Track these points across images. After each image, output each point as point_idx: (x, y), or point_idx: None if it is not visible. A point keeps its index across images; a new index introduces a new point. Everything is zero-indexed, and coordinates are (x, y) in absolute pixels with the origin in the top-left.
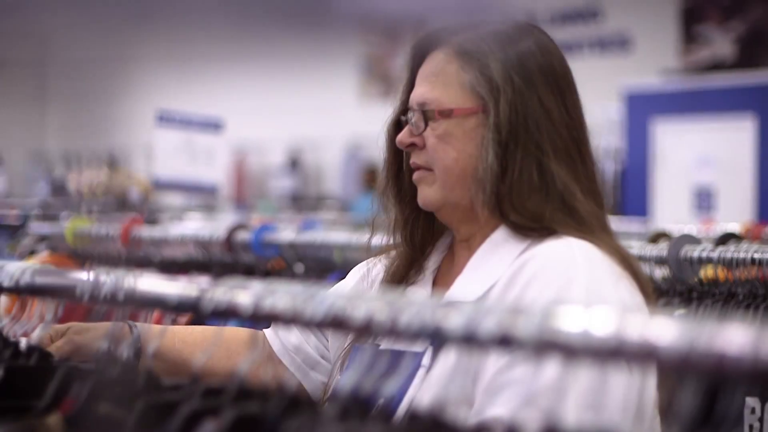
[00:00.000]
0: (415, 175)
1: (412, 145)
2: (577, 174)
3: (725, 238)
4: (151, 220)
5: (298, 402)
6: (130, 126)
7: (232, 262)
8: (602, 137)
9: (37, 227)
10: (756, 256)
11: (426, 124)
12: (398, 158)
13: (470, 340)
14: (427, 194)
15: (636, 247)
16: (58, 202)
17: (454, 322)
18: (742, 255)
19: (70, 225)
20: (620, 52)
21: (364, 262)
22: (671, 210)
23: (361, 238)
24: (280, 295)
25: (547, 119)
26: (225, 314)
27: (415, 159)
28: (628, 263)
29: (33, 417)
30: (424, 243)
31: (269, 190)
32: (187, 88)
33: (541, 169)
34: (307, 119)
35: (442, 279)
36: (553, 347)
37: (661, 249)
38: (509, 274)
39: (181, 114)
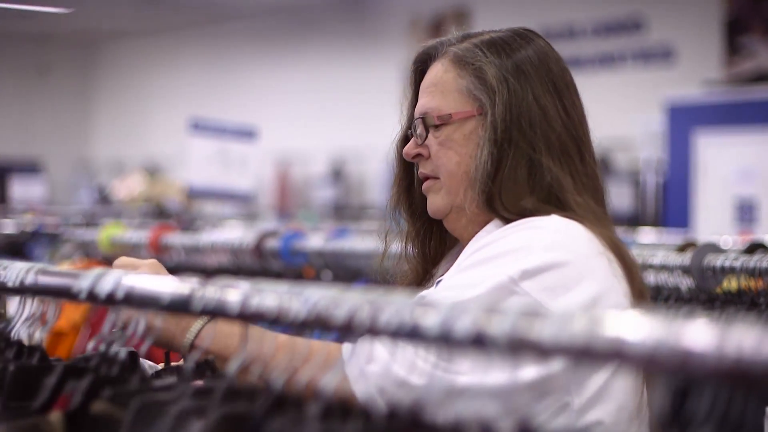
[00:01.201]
0: (424, 186)
1: (418, 155)
2: (574, 171)
3: (753, 248)
4: (189, 227)
5: (284, 401)
6: (172, 134)
7: (261, 270)
8: (644, 149)
9: (71, 234)
10: None
11: (427, 132)
12: (408, 173)
13: (446, 339)
14: (435, 201)
15: (660, 256)
16: (101, 209)
17: (430, 320)
18: (764, 264)
19: (104, 232)
20: (663, 64)
21: None
22: (713, 222)
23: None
24: (267, 294)
25: (543, 118)
26: (214, 313)
27: (423, 169)
28: (619, 251)
29: (35, 415)
30: (437, 255)
31: (312, 200)
32: (230, 98)
33: (531, 165)
34: (350, 129)
35: None
36: (526, 347)
37: (684, 258)
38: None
39: (215, 121)
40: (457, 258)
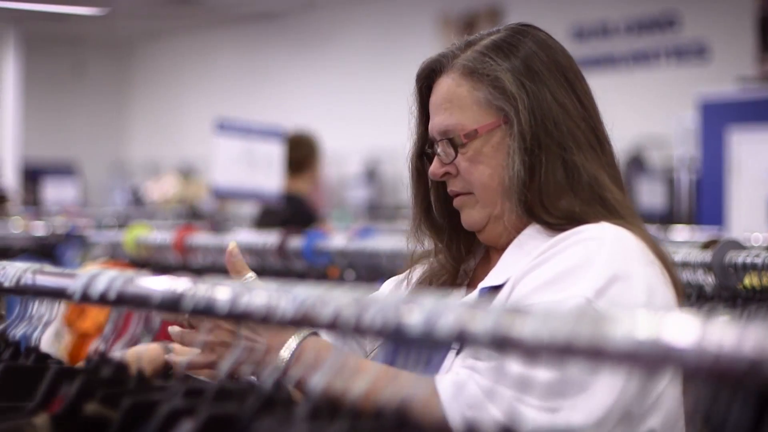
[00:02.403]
0: (456, 201)
1: (446, 174)
2: (601, 161)
3: None
4: (220, 229)
5: (273, 402)
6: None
7: (285, 270)
8: (678, 147)
9: (98, 236)
10: None
11: (456, 151)
12: (426, 191)
13: (429, 336)
14: (472, 216)
15: (681, 253)
16: (134, 211)
17: (414, 318)
18: None
19: (129, 233)
20: (697, 61)
21: (401, 275)
22: (747, 220)
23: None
24: (256, 292)
25: (565, 115)
26: (204, 312)
27: (452, 187)
28: (661, 255)
29: (21, 417)
30: (466, 254)
31: (346, 200)
32: (264, 98)
33: (566, 166)
34: (384, 129)
35: (477, 281)
36: (508, 345)
37: (706, 255)
38: (533, 257)
39: (241, 122)
40: (490, 258)
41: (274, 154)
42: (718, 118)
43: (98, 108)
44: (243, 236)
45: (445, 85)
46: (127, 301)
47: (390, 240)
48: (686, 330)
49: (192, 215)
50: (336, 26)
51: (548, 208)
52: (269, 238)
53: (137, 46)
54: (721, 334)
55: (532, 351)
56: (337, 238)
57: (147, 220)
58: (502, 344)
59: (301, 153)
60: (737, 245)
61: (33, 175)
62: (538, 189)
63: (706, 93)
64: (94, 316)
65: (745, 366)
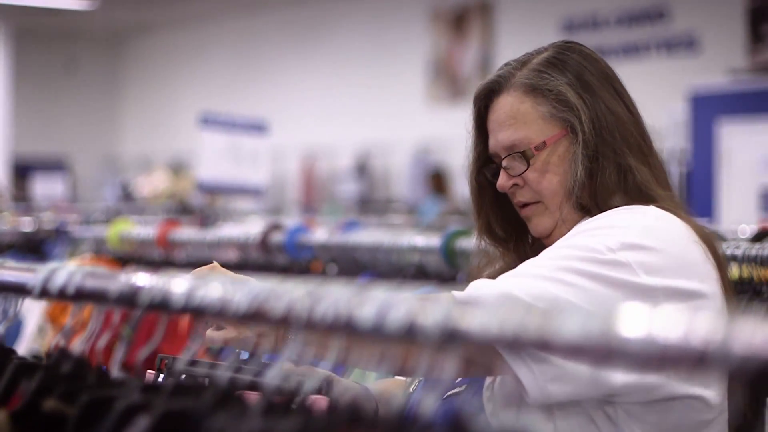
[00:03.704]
0: (525, 212)
1: (514, 186)
2: (651, 166)
3: (760, 236)
4: (209, 223)
5: (228, 397)
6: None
7: (267, 264)
8: (668, 139)
9: (83, 231)
10: None
11: (528, 164)
12: (487, 205)
13: (379, 329)
14: (542, 223)
15: None
16: (123, 207)
17: (365, 311)
18: (766, 253)
19: (113, 228)
20: (687, 53)
21: None
22: (737, 211)
23: (398, 240)
24: (212, 286)
25: (617, 122)
26: (160, 306)
27: (520, 198)
28: (709, 241)
29: None
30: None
31: (337, 193)
32: (256, 93)
33: (619, 169)
34: (375, 123)
35: None
36: (456, 337)
37: None
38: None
39: (225, 116)
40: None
41: (259, 147)
42: (709, 110)
43: (89, 103)
44: (226, 230)
45: (507, 104)
46: (85, 296)
47: (374, 233)
48: (636, 322)
49: (182, 210)
50: (327, 20)
51: (600, 207)
52: (252, 233)
53: (128, 41)
54: (671, 325)
55: (481, 343)
56: (320, 232)
57: (137, 216)
58: (451, 337)
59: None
60: (718, 237)
61: (23, 171)
62: (594, 191)
63: (696, 85)
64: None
65: (694, 357)
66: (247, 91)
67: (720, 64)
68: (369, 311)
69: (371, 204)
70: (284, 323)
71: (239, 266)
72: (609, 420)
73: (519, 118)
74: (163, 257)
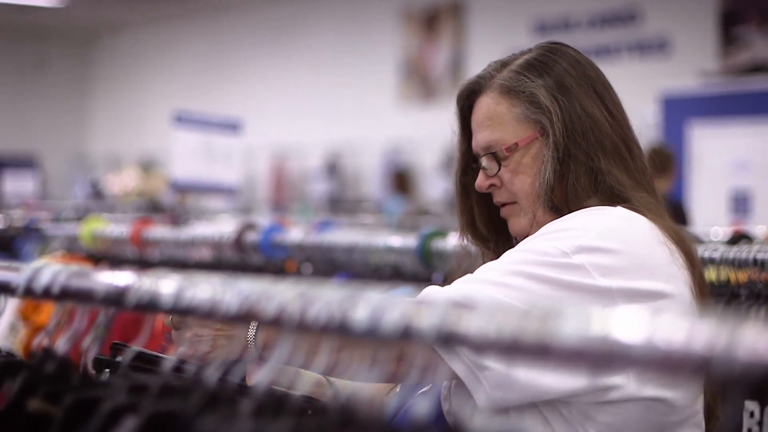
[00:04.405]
0: (503, 211)
1: (491, 186)
2: (629, 169)
3: (736, 239)
4: (180, 222)
5: (217, 399)
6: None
7: (242, 264)
8: (640, 141)
9: (55, 229)
10: (759, 257)
11: (499, 165)
12: (470, 204)
13: (374, 332)
14: (519, 224)
15: None
16: (94, 204)
17: (359, 314)
18: (744, 255)
19: (86, 226)
20: (659, 56)
21: None
22: (708, 213)
23: (370, 239)
24: (201, 287)
25: (593, 125)
26: (148, 306)
27: (498, 198)
28: (681, 241)
29: None
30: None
31: (307, 193)
32: (226, 92)
33: (591, 173)
34: (346, 123)
35: None
36: (454, 340)
37: None
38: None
39: (199, 115)
40: None
41: (233, 146)
42: (680, 113)
43: (59, 101)
44: (200, 229)
45: (485, 104)
46: (71, 296)
47: (348, 234)
48: (636, 327)
49: (152, 208)
50: (299, 20)
51: (571, 209)
52: (226, 232)
53: (99, 39)
54: (671, 330)
55: (479, 347)
56: (295, 232)
57: (107, 214)
58: (448, 340)
59: (665, 159)
60: (695, 240)
61: None
62: (564, 193)
63: (667, 87)
64: (50, 310)
65: (696, 362)
66: (218, 90)
67: (691, 67)
68: (363, 313)
69: (341, 203)
70: (276, 325)
71: (213, 265)
72: (564, 420)
73: (495, 119)
74: (136, 256)
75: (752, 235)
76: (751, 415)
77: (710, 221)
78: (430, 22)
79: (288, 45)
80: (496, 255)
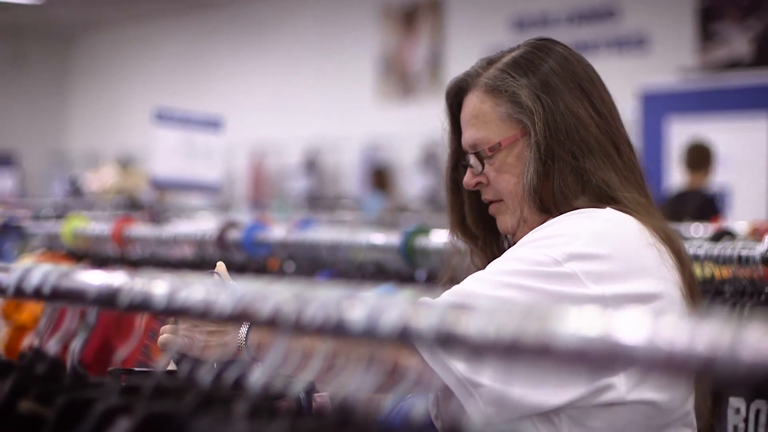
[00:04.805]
0: (491, 209)
1: (478, 184)
2: (617, 168)
3: (719, 236)
4: (159, 219)
5: (211, 400)
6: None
7: (224, 261)
8: None
9: (36, 227)
10: (743, 253)
11: (483, 164)
12: (461, 201)
13: (372, 332)
14: (506, 222)
15: None
16: (72, 202)
17: (356, 314)
18: (728, 252)
19: (67, 225)
20: (637, 52)
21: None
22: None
23: (353, 236)
24: (194, 287)
25: (577, 124)
26: (141, 307)
27: (485, 195)
28: (671, 242)
29: None
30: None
31: (286, 190)
32: (204, 89)
33: (576, 172)
34: (325, 120)
35: None
36: (454, 342)
37: None
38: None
39: (180, 112)
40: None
41: (214, 144)
42: (659, 109)
43: (38, 98)
44: (182, 227)
45: (471, 103)
46: (62, 296)
47: (330, 231)
48: (636, 327)
49: (131, 206)
50: (277, 16)
51: (559, 209)
52: (209, 230)
53: (77, 37)
54: (673, 331)
55: (478, 348)
56: (277, 230)
57: (86, 211)
58: (447, 341)
59: (703, 154)
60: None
61: None
62: (551, 193)
63: (646, 84)
64: (32, 308)
65: (699, 363)
66: (197, 87)
67: (670, 63)
68: (360, 314)
69: (320, 200)
70: (271, 326)
71: (195, 263)
72: (553, 426)
73: (480, 118)
74: (117, 254)
75: (734, 231)
76: (737, 411)
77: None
78: (408, 19)
79: (266, 42)
80: (484, 253)
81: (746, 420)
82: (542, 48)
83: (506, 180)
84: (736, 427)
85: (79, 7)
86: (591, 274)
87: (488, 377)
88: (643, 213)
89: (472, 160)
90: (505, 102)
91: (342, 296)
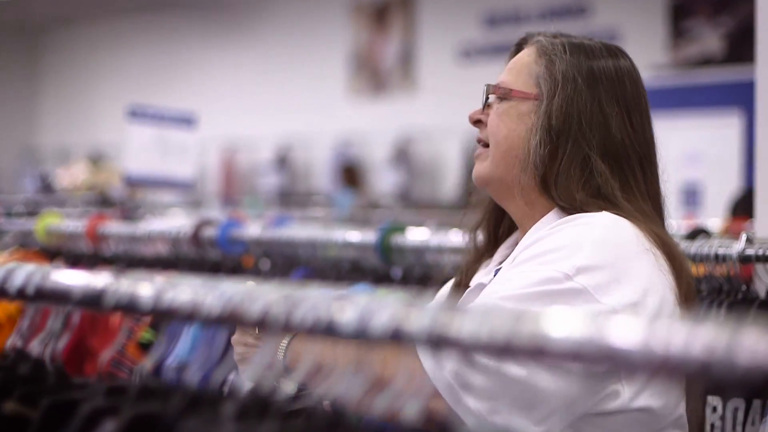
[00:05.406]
0: (476, 152)
1: (478, 121)
2: (632, 180)
3: (694, 234)
4: (131, 216)
5: (198, 401)
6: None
7: (199, 259)
8: None
9: (8, 224)
10: (720, 251)
11: (487, 100)
12: (488, 207)
13: (363, 334)
14: (479, 168)
15: None
16: (43, 198)
17: (347, 316)
18: (705, 250)
19: (41, 221)
20: None
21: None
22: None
23: (329, 234)
24: (181, 288)
25: (603, 123)
26: (127, 308)
27: (480, 134)
28: (666, 247)
29: None
30: (501, 240)
31: (258, 186)
32: (175, 85)
33: (585, 163)
34: (296, 116)
35: None
36: (445, 343)
37: None
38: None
39: (154, 109)
40: (516, 243)
41: (188, 140)
42: None
43: (7, 94)
44: (156, 224)
45: (522, 53)
46: (46, 297)
47: (306, 229)
48: (630, 330)
49: (102, 202)
50: (249, 13)
51: (558, 191)
52: (184, 227)
53: (48, 32)
54: (667, 333)
55: (470, 350)
56: (253, 227)
57: (57, 208)
58: (438, 343)
59: None
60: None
61: None
62: (555, 172)
63: None
64: (5, 306)
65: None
66: (168, 83)
67: (642, 60)
68: (351, 316)
69: (292, 197)
70: (260, 327)
71: (170, 261)
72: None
73: (517, 66)
74: (91, 251)
75: (709, 229)
76: (714, 410)
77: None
78: (379, 15)
79: (238, 38)
80: (484, 219)
81: (723, 418)
82: (611, 49)
83: (498, 128)
84: (713, 425)
85: (50, 2)
86: (599, 287)
87: (475, 400)
88: (639, 217)
89: (485, 92)
90: (543, 65)
91: (332, 297)
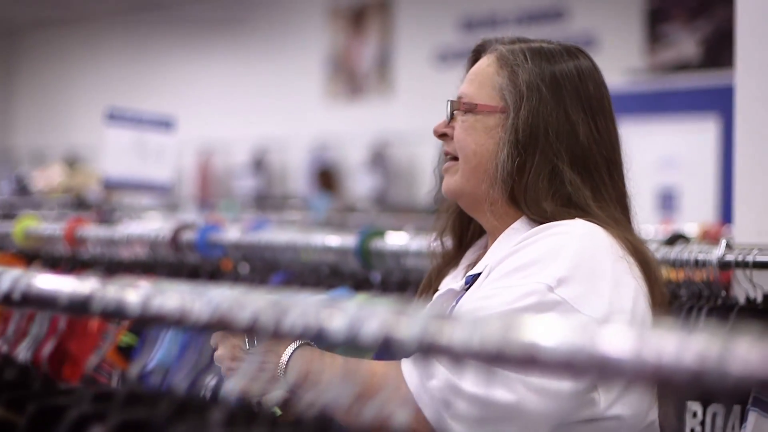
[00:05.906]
0: (445, 165)
1: (444, 134)
2: (602, 186)
3: (673, 239)
4: (108, 219)
5: (185, 407)
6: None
7: (178, 263)
8: None
9: None
10: (700, 257)
11: (452, 115)
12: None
13: (353, 341)
14: (449, 182)
15: None
16: (19, 201)
17: (336, 323)
18: (685, 256)
19: (19, 224)
20: None
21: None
22: (635, 210)
23: (308, 238)
24: (169, 294)
25: (571, 131)
26: (114, 314)
27: (447, 147)
28: (639, 254)
29: None
30: (470, 243)
31: (234, 189)
32: (151, 88)
33: (553, 174)
34: (273, 119)
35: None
36: (435, 351)
37: None
38: (510, 247)
39: (132, 112)
40: (485, 247)
41: (166, 144)
42: None
43: None
44: (134, 227)
45: (482, 62)
46: (32, 302)
47: (285, 233)
48: (622, 339)
49: (78, 205)
50: (226, 16)
51: (528, 204)
52: (162, 230)
53: (24, 34)
54: (659, 342)
55: (461, 358)
56: (232, 231)
57: (33, 210)
58: (428, 351)
59: None
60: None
61: None
62: (524, 186)
63: None
64: None
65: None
66: (144, 86)
67: (618, 65)
68: (340, 324)
69: (268, 200)
70: (249, 334)
71: (149, 264)
72: None
73: (479, 77)
74: (69, 254)
75: (687, 234)
76: (694, 415)
77: (639, 219)
78: (357, 18)
79: (214, 40)
80: (451, 222)
81: (702, 423)
82: (571, 52)
83: (466, 142)
84: (693, 431)
85: (25, 4)
86: (578, 297)
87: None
88: (612, 224)
89: (449, 107)
90: (505, 76)
91: (322, 305)
